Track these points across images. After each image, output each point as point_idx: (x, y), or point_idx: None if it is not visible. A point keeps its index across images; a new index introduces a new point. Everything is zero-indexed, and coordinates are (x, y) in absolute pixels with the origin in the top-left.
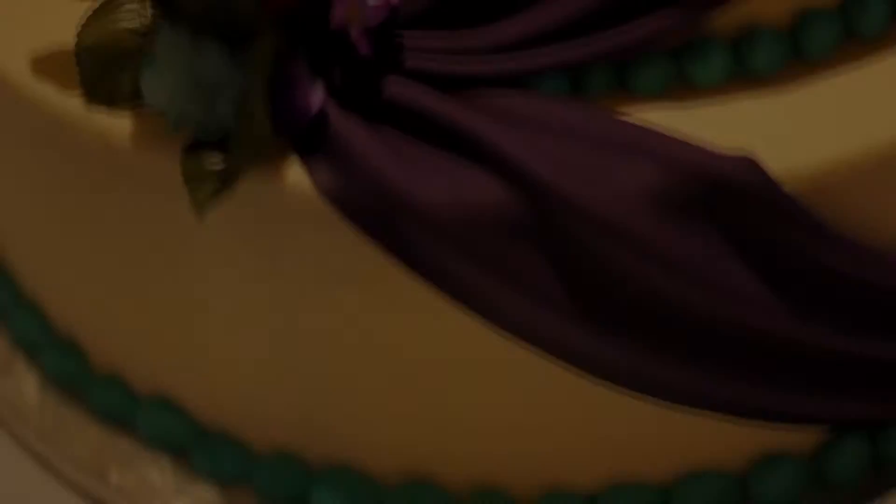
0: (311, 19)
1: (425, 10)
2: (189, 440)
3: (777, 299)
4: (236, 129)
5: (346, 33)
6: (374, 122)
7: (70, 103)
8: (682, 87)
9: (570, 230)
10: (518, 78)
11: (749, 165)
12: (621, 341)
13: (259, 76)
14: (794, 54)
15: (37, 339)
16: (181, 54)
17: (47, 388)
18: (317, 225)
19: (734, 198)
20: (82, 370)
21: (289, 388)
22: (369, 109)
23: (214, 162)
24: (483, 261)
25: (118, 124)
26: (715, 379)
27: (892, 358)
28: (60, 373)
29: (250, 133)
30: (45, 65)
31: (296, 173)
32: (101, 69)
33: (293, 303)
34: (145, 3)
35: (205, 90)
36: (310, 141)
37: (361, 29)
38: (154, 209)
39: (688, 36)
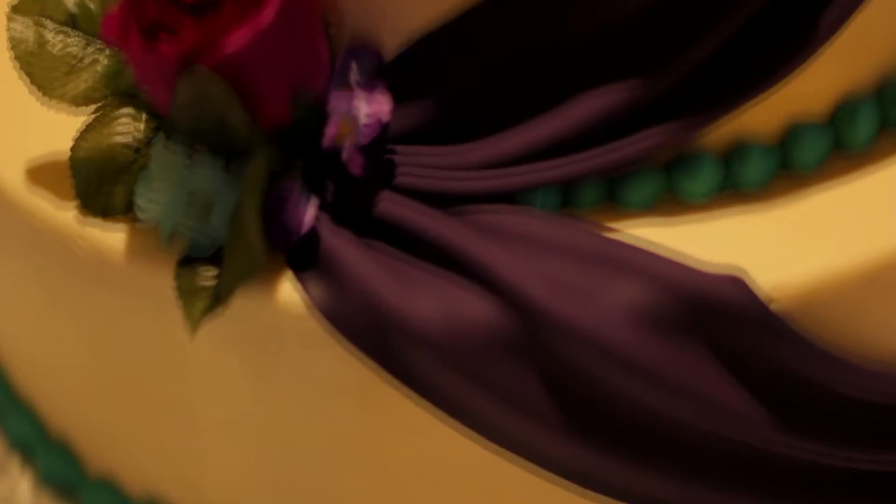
0: (304, 137)
1: (416, 126)
2: None
3: (766, 415)
4: (229, 246)
5: (339, 151)
6: (366, 237)
7: (65, 215)
8: (672, 202)
9: (560, 348)
10: (509, 192)
11: (737, 285)
12: (612, 455)
13: (252, 194)
14: (783, 167)
15: (31, 441)
16: (175, 169)
17: (41, 489)
18: (310, 340)
19: (722, 317)
20: (76, 473)
21: (282, 498)
22: (361, 225)
23: (208, 277)
24: (474, 377)
25: (112, 237)
26: (706, 491)
27: (880, 470)
28: (54, 475)
29: (243, 250)
30: (40, 175)
31: (289, 289)
32: (96, 182)
33: (286, 416)
34: (140, 117)
35: (199, 205)
36: (302, 257)
37: (353, 147)
38: (147, 321)
39: (678, 151)
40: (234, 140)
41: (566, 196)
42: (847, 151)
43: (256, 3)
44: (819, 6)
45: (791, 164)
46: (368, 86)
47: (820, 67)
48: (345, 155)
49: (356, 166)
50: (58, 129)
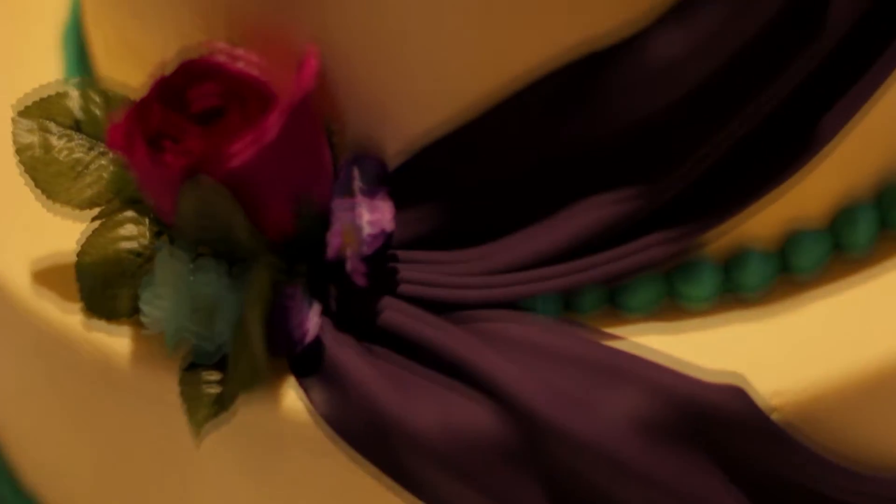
0: (308, 244)
1: (419, 233)
2: None
3: None
4: (233, 355)
5: (343, 260)
6: (368, 342)
7: (71, 319)
8: (672, 307)
9: (561, 457)
10: (511, 300)
11: (736, 394)
12: None
13: (255, 306)
14: (783, 272)
15: None
16: (179, 275)
17: None
18: (313, 447)
19: (722, 426)
20: None
21: None
22: (364, 332)
23: (212, 383)
24: (475, 484)
25: (118, 342)
26: None
27: None
28: None
29: (247, 359)
30: (46, 277)
31: (292, 396)
32: (101, 286)
33: None
34: (144, 222)
35: (203, 311)
36: (306, 363)
37: (357, 258)
38: (152, 425)
39: (680, 258)
40: (238, 249)
41: (567, 301)
42: (847, 255)
43: (261, 113)
44: (818, 113)
45: (791, 269)
46: (371, 193)
47: (819, 172)
48: (349, 266)
49: (360, 277)
50: (63, 230)
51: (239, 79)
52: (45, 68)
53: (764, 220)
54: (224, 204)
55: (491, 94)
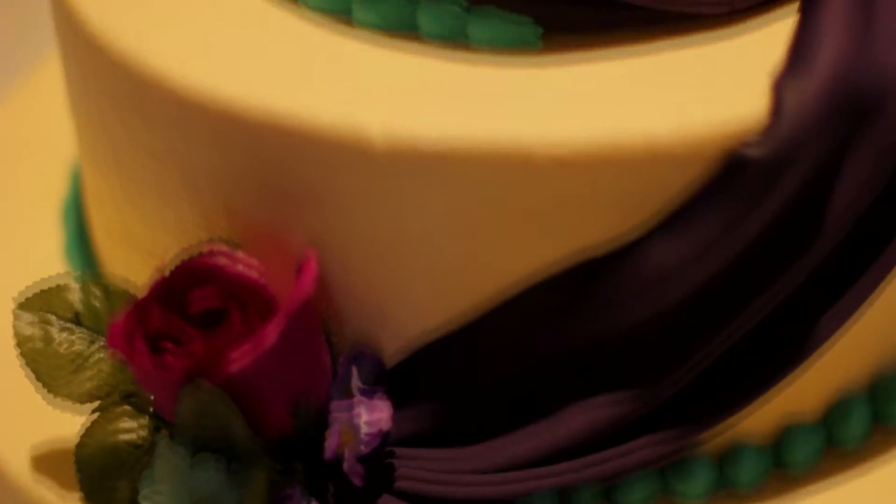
0: (306, 443)
1: (416, 430)
2: None
3: None
4: None
5: (340, 458)
6: None
7: None
8: (667, 502)
9: None
10: (507, 498)
11: None
12: None
13: None
14: (777, 466)
15: None
16: (178, 470)
17: None
18: None
19: None
20: None
21: None
22: None
23: None
24: None
25: None
26: None
27: None
28: None
29: None
30: (44, 463)
31: None
32: (100, 478)
33: None
34: (143, 415)
35: None
36: None
37: (354, 457)
38: None
39: (675, 456)
40: (237, 449)
41: (562, 498)
42: (841, 449)
43: (261, 316)
44: (813, 316)
45: (784, 465)
46: (369, 392)
47: (814, 368)
48: (346, 466)
49: (357, 477)
50: (63, 417)
51: (239, 282)
52: (45, 245)
53: (758, 416)
54: (223, 408)
55: (488, 298)
